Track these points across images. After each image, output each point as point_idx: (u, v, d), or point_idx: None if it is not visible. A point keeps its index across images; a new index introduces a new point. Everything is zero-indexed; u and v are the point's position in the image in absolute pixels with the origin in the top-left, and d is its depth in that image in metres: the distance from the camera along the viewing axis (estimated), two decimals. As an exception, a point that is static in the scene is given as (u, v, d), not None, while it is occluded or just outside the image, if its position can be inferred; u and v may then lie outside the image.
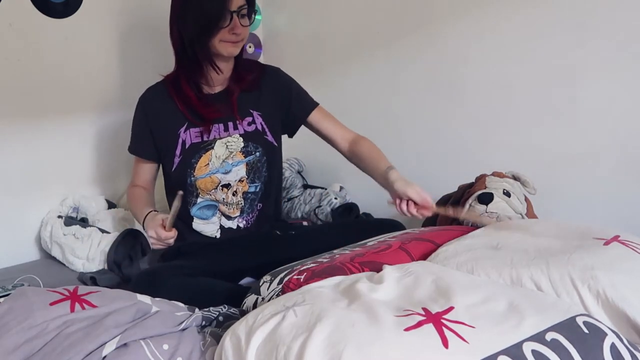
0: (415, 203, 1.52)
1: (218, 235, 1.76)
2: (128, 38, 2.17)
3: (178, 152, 1.70)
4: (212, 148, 1.69)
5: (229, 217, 1.75)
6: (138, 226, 1.90)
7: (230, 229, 1.76)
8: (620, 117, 1.69)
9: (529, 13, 1.80)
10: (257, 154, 1.74)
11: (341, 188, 2.35)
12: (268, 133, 1.76)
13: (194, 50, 1.64)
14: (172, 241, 1.59)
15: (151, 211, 1.65)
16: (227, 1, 1.58)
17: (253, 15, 1.67)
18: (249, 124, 1.73)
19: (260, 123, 1.74)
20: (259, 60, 2.58)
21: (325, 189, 2.30)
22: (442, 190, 1.87)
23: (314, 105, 1.81)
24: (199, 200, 1.73)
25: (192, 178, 1.70)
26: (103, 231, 1.90)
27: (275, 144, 1.79)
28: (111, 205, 2.09)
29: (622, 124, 1.69)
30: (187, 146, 1.69)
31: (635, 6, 1.61)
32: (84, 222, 2.00)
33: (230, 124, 1.71)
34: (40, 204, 2.03)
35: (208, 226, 1.76)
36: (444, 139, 2.07)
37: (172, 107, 1.70)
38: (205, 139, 1.70)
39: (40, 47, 1.97)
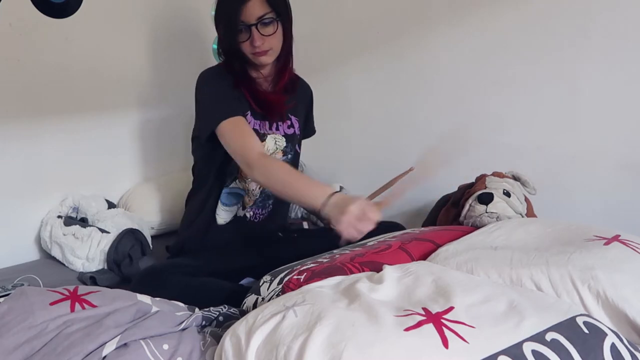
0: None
1: (228, 220, 1.75)
2: (128, 38, 2.17)
3: None
4: (265, 140, 1.70)
5: (244, 207, 1.76)
6: (138, 226, 1.90)
7: (238, 217, 1.76)
8: (621, 117, 1.69)
9: (529, 13, 1.80)
10: (290, 156, 1.77)
11: (341, 188, 2.34)
12: (298, 140, 1.82)
13: (232, 57, 1.65)
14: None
15: (336, 192, 1.40)
16: (241, 14, 1.56)
17: (281, 22, 1.62)
18: (289, 127, 1.76)
19: (298, 128, 1.79)
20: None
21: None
22: (442, 190, 1.88)
23: (312, 132, 1.93)
24: (232, 184, 1.73)
25: None
26: (103, 231, 1.90)
27: (299, 150, 1.84)
28: (111, 205, 2.09)
29: (622, 124, 1.69)
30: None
31: (636, 6, 1.61)
32: (83, 222, 2.00)
33: (274, 124, 1.73)
34: (40, 204, 2.03)
35: (226, 213, 1.75)
36: (444, 138, 2.07)
37: (236, 90, 1.66)
38: (260, 130, 1.70)
39: (40, 47, 1.97)
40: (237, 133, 1.56)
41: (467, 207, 1.64)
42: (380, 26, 2.18)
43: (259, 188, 1.74)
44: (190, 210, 1.81)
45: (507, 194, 1.62)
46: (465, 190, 1.70)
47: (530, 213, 1.68)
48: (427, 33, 2.05)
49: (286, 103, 1.73)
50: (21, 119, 1.97)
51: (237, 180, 1.73)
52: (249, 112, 1.67)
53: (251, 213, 1.77)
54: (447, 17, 1.99)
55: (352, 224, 1.30)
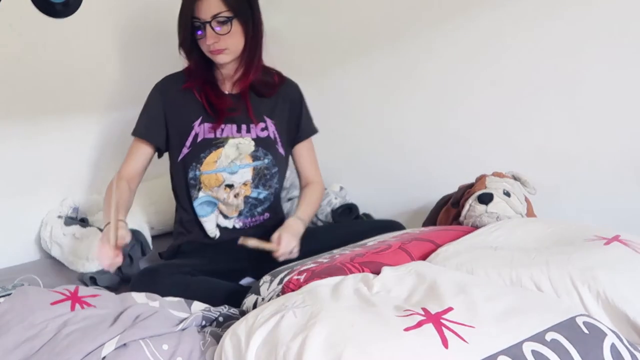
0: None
1: (218, 234, 1.75)
2: (128, 38, 2.17)
3: (188, 143, 1.69)
4: (223, 146, 1.68)
5: (225, 217, 1.74)
6: (138, 226, 1.90)
7: (226, 228, 1.75)
8: (621, 117, 1.69)
9: (529, 13, 1.80)
10: (267, 160, 1.73)
11: (341, 188, 2.34)
12: (279, 143, 1.76)
13: (193, 55, 1.66)
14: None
15: (120, 221, 1.51)
16: (196, 10, 1.57)
17: (241, 20, 1.62)
18: (262, 129, 1.73)
19: (273, 132, 1.75)
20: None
21: (325, 189, 2.29)
22: (442, 191, 1.88)
23: (312, 133, 1.84)
24: (200, 194, 1.72)
25: (197, 172, 1.69)
26: (104, 226, 1.90)
27: (284, 155, 1.79)
28: (111, 205, 2.09)
29: (622, 124, 1.69)
30: (198, 139, 1.68)
31: (636, 6, 1.61)
32: (83, 222, 2.00)
33: (244, 127, 1.71)
34: (40, 204, 2.02)
35: (207, 224, 1.75)
36: (444, 139, 2.07)
37: (190, 98, 1.69)
38: (218, 135, 1.69)
39: (40, 47, 1.97)
40: (128, 153, 1.72)
41: (467, 207, 1.63)
42: (380, 26, 2.18)
43: (235, 197, 1.71)
44: (175, 224, 1.82)
45: (507, 194, 1.62)
46: (465, 190, 1.70)
47: (530, 213, 1.68)
48: (427, 33, 2.05)
49: (255, 104, 1.71)
50: (21, 119, 1.97)
51: (201, 191, 1.72)
52: (200, 118, 1.68)
53: (240, 224, 1.75)
54: (447, 17, 1.99)
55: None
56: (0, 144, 1.93)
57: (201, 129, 1.68)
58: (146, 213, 2.12)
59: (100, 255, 1.43)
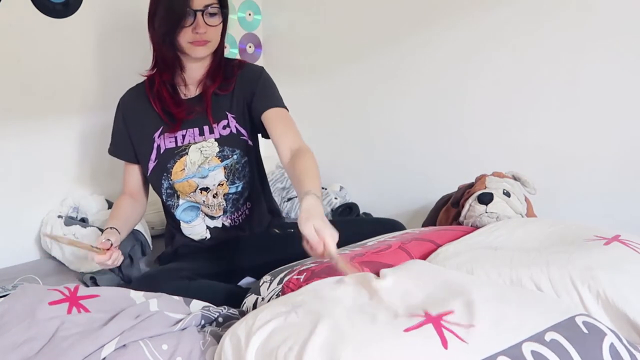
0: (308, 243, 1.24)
1: (208, 236, 1.74)
2: (128, 38, 2.17)
3: (153, 157, 1.67)
4: (187, 154, 1.65)
5: (212, 217, 1.73)
6: (138, 226, 1.90)
7: (216, 228, 1.74)
8: (621, 117, 1.69)
9: (528, 14, 1.80)
10: (235, 156, 1.69)
11: (341, 188, 2.35)
12: (244, 133, 1.69)
13: (163, 50, 1.62)
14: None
15: (108, 228, 1.59)
16: (189, 0, 1.54)
17: (222, 15, 1.59)
18: (224, 127, 1.68)
19: (235, 125, 1.69)
20: (258, 60, 2.58)
21: (325, 189, 2.30)
22: (442, 190, 1.88)
23: (273, 104, 1.63)
24: (181, 202, 1.71)
25: (170, 182, 1.68)
26: (103, 231, 1.90)
27: (252, 144, 1.72)
28: (111, 205, 2.09)
29: (623, 124, 1.69)
30: (162, 151, 1.67)
31: (636, 6, 1.61)
32: (84, 222, 2.00)
33: (206, 128, 1.67)
34: (40, 204, 2.03)
35: (195, 229, 1.74)
36: (444, 139, 2.07)
37: (149, 110, 1.67)
38: (179, 144, 1.66)
39: (40, 47, 1.97)
40: (123, 173, 1.79)
41: (467, 207, 1.63)
42: (380, 27, 2.18)
43: (214, 197, 1.70)
44: (165, 230, 1.83)
45: (507, 194, 1.62)
46: (465, 190, 1.70)
47: (530, 213, 1.68)
48: (427, 33, 2.05)
49: (216, 102, 1.66)
50: (21, 118, 1.97)
51: (180, 198, 1.71)
52: (160, 129, 1.66)
53: (228, 221, 1.74)
54: (447, 17, 1.99)
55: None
56: (0, 144, 1.93)
57: (162, 140, 1.67)
58: (147, 213, 2.12)
59: (98, 260, 1.47)
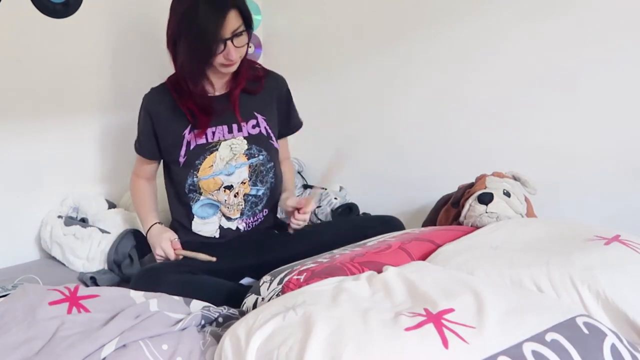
0: (297, 210, 1.71)
1: (217, 236, 1.76)
2: (128, 38, 2.17)
3: (183, 152, 1.69)
4: (217, 150, 1.69)
5: (229, 219, 1.75)
6: (138, 226, 1.90)
7: (229, 229, 1.76)
8: (621, 117, 1.69)
9: (529, 13, 1.80)
10: (261, 157, 1.74)
11: (341, 188, 2.34)
12: (272, 137, 1.77)
13: (188, 69, 1.62)
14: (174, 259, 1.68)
15: (156, 223, 1.76)
16: (220, 30, 1.54)
17: (250, 31, 1.62)
18: (253, 126, 1.73)
19: (265, 127, 1.75)
20: (258, 60, 2.58)
21: (325, 189, 2.30)
22: (443, 190, 1.88)
23: (300, 125, 1.89)
24: (201, 198, 1.73)
25: (195, 179, 1.70)
26: (103, 231, 1.90)
27: (277, 148, 1.80)
28: (111, 205, 2.09)
29: (623, 124, 1.69)
30: (192, 147, 1.69)
31: (636, 6, 1.61)
32: (84, 222, 2.00)
33: (235, 126, 1.71)
34: (40, 204, 2.02)
35: (207, 226, 1.75)
36: (444, 139, 2.07)
37: (176, 108, 1.69)
38: (209, 140, 1.69)
39: (40, 47, 1.97)
40: (137, 164, 1.86)
41: (467, 207, 1.63)
42: (379, 27, 2.18)
43: (235, 196, 1.72)
44: (173, 225, 1.83)
45: (507, 194, 1.62)
46: (465, 190, 1.70)
47: (530, 213, 1.68)
48: (426, 33, 2.05)
49: (243, 102, 1.71)
50: (21, 119, 1.97)
51: (201, 195, 1.73)
52: (189, 126, 1.68)
53: (243, 225, 1.76)
54: (447, 17, 1.99)
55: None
56: (0, 144, 1.93)
57: (192, 137, 1.68)
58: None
59: (167, 250, 1.67)
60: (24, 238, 2.02)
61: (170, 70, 1.73)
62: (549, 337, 0.92)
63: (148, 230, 1.76)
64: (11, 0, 1.87)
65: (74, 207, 2.05)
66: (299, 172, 2.40)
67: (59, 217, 1.99)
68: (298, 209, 1.70)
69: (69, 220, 1.97)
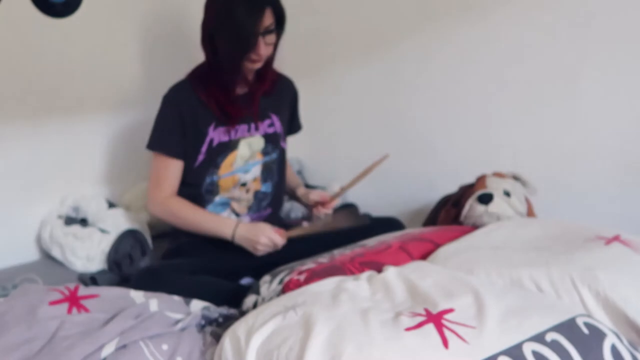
0: (320, 204, 1.78)
1: None
2: (128, 38, 2.17)
3: (204, 149, 1.69)
4: (237, 148, 1.71)
5: (237, 214, 1.76)
6: (138, 226, 1.90)
7: None
8: (621, 117, 1.69)
9: (529, 13, 1.80)
10: (274, 155, 1.77)
11: (341, 188, 2.34)
12: (284, 137, 1.81)
13: (221, 64, 1.63)
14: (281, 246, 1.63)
15: (238, 222, 1.67)
16: (257, 26, 1.55)
17: (280, 32, 1.64)
18: (269, 126, 1.76)
19: (280, 127, 1.78)
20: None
21: (325, 189, 2.30)
22: (443, 190, 1.88)
23: (300, 127, 1.93)
24: (216, 199, 1.73)
25: (216, 177, 1.70)
26: (103, 231, 1.90)
27: (285, 148, 1.83)
28: (111, 205, 2.09)
29: (623, 123, 1.69)
30: (214, 144, 1.69)
31: (636, 6, 1.61)
32: (84, 222, 2.00)
33: (253, 125, 1.73)
34: (40, 204, 2.02)
35: None
36: (444, 138, 2.07)
37: (201, 105, 1.68)
38: (232, 137, 1.70)
39: (40, 47, 1.97)
40: (157, 171, 1.72)
41: (467, 207, 1.63)
42: (380, 27, 2.18)
43: (247, 192, 1.74)
44: (177, 231, 1.80)
45: (508, 194, 1.62)
46: (466, 190, 1.70)
47: (530, 213, 1.68)
48: (426, 33, 2.05)
49: (263, 103, 1.72)
50: (21, 119, 1.96)
51: (217, 195, 1.72)
52: (214, 123, 1.67)
53: (248, 220, 1.76)
54: (448, 17, 1.99)
55: (265, 250, 1.61)
56: (0, 144, 1.93)
57: (216, 134, 1.69)
58: (147, 213, 2.12)
59: (275, 238, 1.61)
60: (24, 238, 2.02)
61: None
62: (549, 337, 0.92)
63: (234, 231, 1.64)
64: (11, 0, 1.87)
65: (74, 207, 2.05)
66: (299, 172, 2.40)
67: (59, 217, 1.99)
68: (322, 203, 1.77)
69: (69, 220, 1.97)
